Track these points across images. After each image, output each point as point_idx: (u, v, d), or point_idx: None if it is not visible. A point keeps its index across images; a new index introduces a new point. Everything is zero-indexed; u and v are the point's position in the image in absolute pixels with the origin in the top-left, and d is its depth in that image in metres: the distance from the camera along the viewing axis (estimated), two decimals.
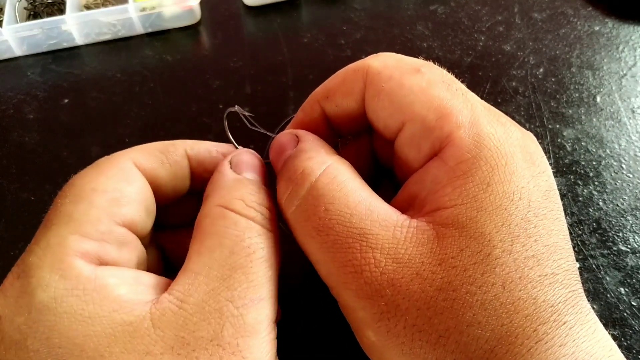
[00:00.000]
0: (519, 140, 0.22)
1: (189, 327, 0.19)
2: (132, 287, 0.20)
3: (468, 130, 0.21)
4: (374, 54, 0.25)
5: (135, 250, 0.22)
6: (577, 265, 0.33)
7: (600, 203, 0.36)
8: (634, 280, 0.32)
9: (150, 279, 0.21)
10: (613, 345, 0.20)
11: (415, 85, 0.23)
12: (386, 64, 0.24)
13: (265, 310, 0.20)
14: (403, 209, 0.22)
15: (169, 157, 0.25)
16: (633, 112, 0.41)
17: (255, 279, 0.20)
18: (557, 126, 0.40)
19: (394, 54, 0.25)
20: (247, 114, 0.29)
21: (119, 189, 0.22)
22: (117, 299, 0.19)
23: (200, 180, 0.26)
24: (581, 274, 0.33)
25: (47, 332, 0.18)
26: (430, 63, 0.24)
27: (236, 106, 0.28)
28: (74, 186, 0.22)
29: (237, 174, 0.24)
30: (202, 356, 0.18)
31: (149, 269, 0.23)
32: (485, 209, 0.20)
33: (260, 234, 0.22)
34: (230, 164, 0.24)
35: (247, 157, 0.25)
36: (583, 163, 0.38)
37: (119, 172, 0.22)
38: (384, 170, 0.28)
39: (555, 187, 0.22)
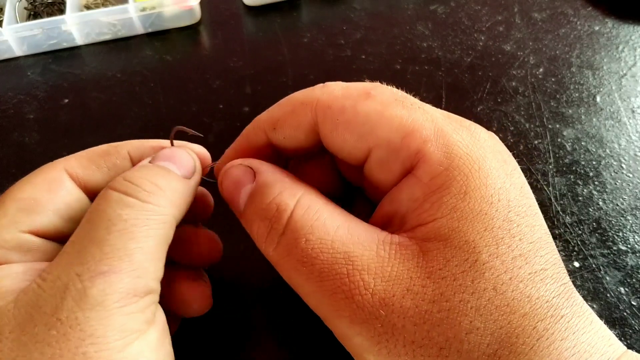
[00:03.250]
0: (487, 141, 0.22)
1: (39, 303, 0.19)
2: (17, 277, 0.20)
3: (435, 143, 0.21)
4: (321, 84, 0.25)
5: (43, 253, 0.23)
6: (577, 264, 0.33)
7: (600, 203, 0.36)
8: (634, 280, 0.32)
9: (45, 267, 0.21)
10: (611, 335, 0.20)
11: (370, 111, 0.22)
12: (335, 96, 0.23)
13: (119, 283, 0.20)
14: (381, 227, 0.22)
15: (108, 160, 0.25)
16: (633, 112, 0.41)
17: (111, 252, 0.20)
18: (557, 126, 0.40)
19: (340, 83, 0.25)
20: (192, 132, 0.29)
21: (34, 197, 0.23)
22: None
23: None
24: (581, 274, 0.33)
25: None
26: (377, 83, 0.24)
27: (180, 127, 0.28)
28: (3, 194, 0.24)
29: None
30: (41, 331, 0.19)
31: None
32: (466, 217, 0.20)
33: (128, 205, 0.21)
34: (154, 157, 0.25)
35: (170, 151, 0.25)
36: (583, 163, 0.38)
37: (44, 181, 0.24)
38: (353, 187, 0.28)
39: (527, 183, 0.22)
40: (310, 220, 0.21)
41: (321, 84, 0.25)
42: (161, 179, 0.23)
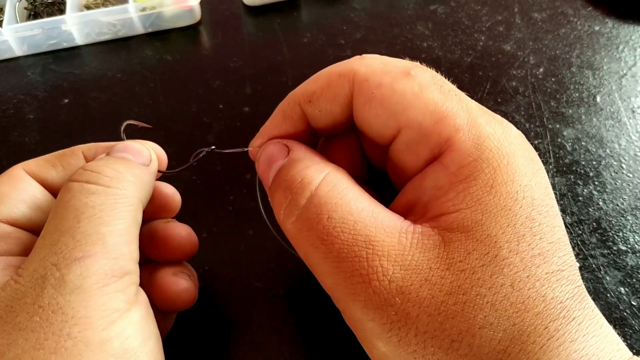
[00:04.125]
0: (517, 138, 0.22)
1: (18, 296, 0.20)
2: None
3: (467, 133, 0.21)
4: (358, 56, 0.24)
5: (16, 240, 0.24)
6: (577, 264, 0.33)
7: (600, 203, 0.36)
8: (634, 280, 0.32)
9: (21, 262, 0.22)
10: (619, 340, 0.20)
11: (407, 90, 0.22)
12: (373, 69, 0.23)
13: (95, 266, 0.20)
14: (402, 215, 0.22)
15: (63, 160, 0.27)
16: (633, 112, 0.41)
17: (83, 238, 0.21)
18: (557, 126, 0.40)
19: (378, 56, 0.24)
20: (142, 124, 0.30)
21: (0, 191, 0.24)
22: None
23: None
24: (581, 274, 0.33)
25: None
26: (418, 64, 0.24)
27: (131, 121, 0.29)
28: None
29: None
30: (23, 320, 0.19)
31: None
32: (490, 211, 0.20)
33: (93, 192, 0.22)
34: (109, 152, 0.26)
35: (123, 144, 0.26)
36: (583, 163, 0.38)
37: (6, 179, 0.25)
38: (377, 172, 0.28)
39: (550, 184, 0.22)
40: (335, 198, 0.21)
41: (358, 56, 0.24)
42: (120, 166, 0.24)
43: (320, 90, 0.24)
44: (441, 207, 0.21)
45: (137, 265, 0.23)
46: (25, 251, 0.23)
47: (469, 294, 0.19)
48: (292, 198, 0.22)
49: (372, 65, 0.23)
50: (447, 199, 0.20)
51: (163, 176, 0.29)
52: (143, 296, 0.23)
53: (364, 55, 0.24)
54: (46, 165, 0.26)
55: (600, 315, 0.20)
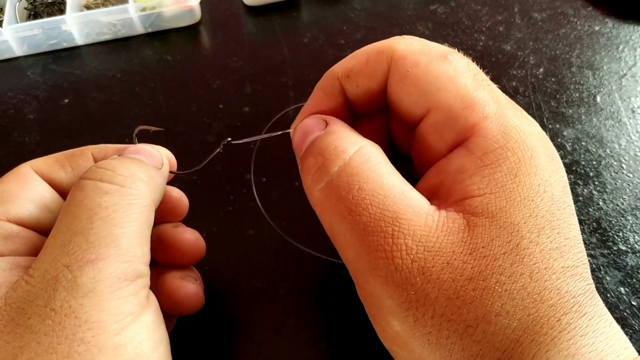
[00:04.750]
0: (541, 135, 0.22)
1: (30, 298, 0.20)
2: (2, 275, 0.21)
3: (495, 122, 0.21)
4: (398, 36, 0.25)
5: (24, 240, 0.23)
6: None
7: (600, 203, 0.36)
8: (634, 280, 0.32)
9: (29, 262, 0.22)
10: (627, 339, 0.20)
11: (442, 73, 0.22)
12: (412, 49, 0.23)
13: (108, 269, 0.20)
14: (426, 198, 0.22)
15: (72, 160, 0.26)
16: (633, 112, 0.41)
17: (96, 240, 0.20)
18: (557, 126, 0.40)
19: (417, 37, 0.25)
20: (154, 128, 0.30)
21: (6, 189, 0.24)
22: None
23: None
24: None
25: None
26: (456, 51, 0.24)
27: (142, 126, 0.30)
28: None
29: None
30: (35, 322, 0.19)
31: None
32: (514, 199, 0.20)
33: (107, 192, 0.22)
34: (122, 153, 0.26)
35: (135, 147, 0.26)
36: (583, 163, 0.38)
37: (14, 177, 0.25)
38: (399, 156, 0.28)
39: (568, 184, 0.23)
40: (367, 170, 0.21)
41: (398, 36, 0.25)
42: (134, 166, 0.24)
43: (359, 66, 0.25)
44: (465, 190, 0.21)
45: (149, 268, 0.22)
46: (33, 251, 0.23)
47: (489, 281, 0.19)
48: (324, 164, 0.22)
49: (411, 45, 0.24)
50: (471, 182, 0.21)
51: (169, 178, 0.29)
52: (153, 299, 0.23)
53: (403, 36, 0.25)
54: (55, 164, 0.26)
55: (609, 314, 0.20)
